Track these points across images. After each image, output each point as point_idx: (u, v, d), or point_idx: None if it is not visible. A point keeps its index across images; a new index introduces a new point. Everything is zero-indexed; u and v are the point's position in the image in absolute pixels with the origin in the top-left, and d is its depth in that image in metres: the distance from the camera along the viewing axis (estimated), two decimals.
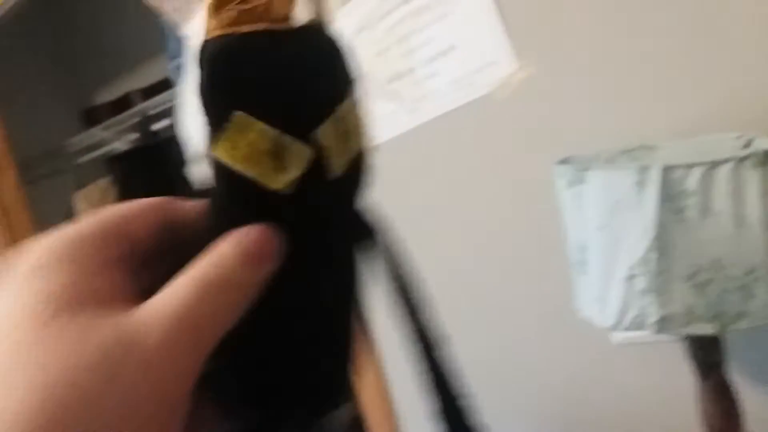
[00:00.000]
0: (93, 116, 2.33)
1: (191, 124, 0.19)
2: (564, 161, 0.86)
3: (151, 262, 0.24)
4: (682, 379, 0.95)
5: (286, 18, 0.24)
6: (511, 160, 1.07)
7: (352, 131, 0.25)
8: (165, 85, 2.20)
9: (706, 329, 0.70)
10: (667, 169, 0.68)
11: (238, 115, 0.23)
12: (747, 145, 0.81)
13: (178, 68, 2.12)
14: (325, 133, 0.24)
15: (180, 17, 0.19)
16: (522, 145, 1.06)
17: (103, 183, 2.28)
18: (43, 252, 0.22)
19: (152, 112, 2.17)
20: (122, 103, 2.29)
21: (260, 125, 0.23)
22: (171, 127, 1.85)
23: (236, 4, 0.23)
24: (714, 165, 0.68)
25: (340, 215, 0.27)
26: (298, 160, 0.24)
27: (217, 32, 0.23)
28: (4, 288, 0.21)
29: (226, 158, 0.24)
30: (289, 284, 0.25)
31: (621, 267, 0.72)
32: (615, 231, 0.72)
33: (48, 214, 2.19)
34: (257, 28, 0.23)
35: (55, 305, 0.20)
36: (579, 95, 1.00)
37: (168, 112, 1.99)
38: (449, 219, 1.16)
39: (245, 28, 0.23)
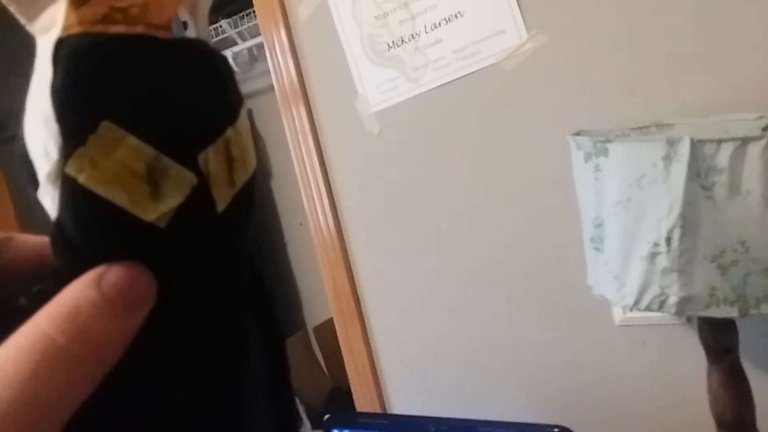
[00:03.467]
0: None
1: (36, 138, 0.15)
2: (577, 135, 0.82)
3: None
4: (686, 362, 0.93)
5: (165, 27, 0.20)
6: (516, 133, 1.03)
7: (239, 159, 0.21)
8: None
9: (727, 312, 0.68)
10: (697, 144, 0.65)
11: (105, 125, 0.18)
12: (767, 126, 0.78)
13: None
14: (211, 158, 0.20)
15: (27, 9, 0.15)
16: (529, 118, 1.01)
17: None
18: None
19: None
20: None
21: (132, 139, 0.19)
22: None
23: None
24: (746, 141, 0.64)
25: (225, 255, 0.22)
26: (178, 187, 0.19)
27: (80, 29, 0.19)
28: None
29: (83, 178, 0.19)
30: (160, 336, 0.20)
31: (642, 244, 0.69)
32: (637, 206, 0.69)
33: None
34: (133, 31, 0.19)
35: None
36: (590, 69, 0.96)
37: None
38: (449, 191, 1.12)
39: (116, 29, 0.19)
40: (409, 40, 1.11)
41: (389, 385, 1.30)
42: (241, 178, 0.22)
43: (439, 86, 1.09)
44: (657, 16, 0.90)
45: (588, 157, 0.73)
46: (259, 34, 1.39)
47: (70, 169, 0.19)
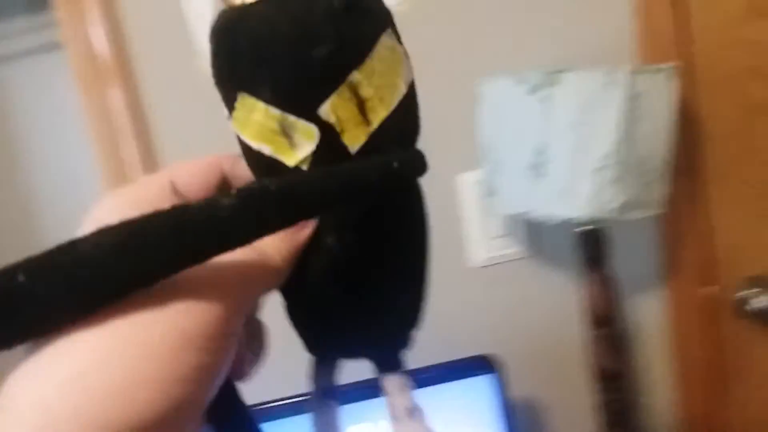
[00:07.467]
0: None
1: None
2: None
3: None
4: (538, 290, 1.09)
5: None
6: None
7: (374, 97, 0.23)
8: None
9: (644, 213, 0.84)
10: (632, 74, 0.80)
11: (242, 97, 0.23)
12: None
13: None
14: (331, 108, 0.23)
15: None
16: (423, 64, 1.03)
17: None
18: (111, 211, 0.23)
19: None
20: None
21: (262, 106, 0.23)
22: None
23: None
24: (656, 71, 0.82)
25: (373, 180, 0.25)
26: (306, 138, 0.23)
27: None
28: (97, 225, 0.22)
29: (241, 134, 0.24)
30: (334, 252, 0.25)
31: (592, 160, 0.80)
32: (587, 128, 0.80)
33: None
34: None
35: None
36: (483, 16, 1.00)
37: None
38: None
39: None
40: None
41: None
42: (379, 113, 0.23)
43: None
44: None
45: (535, 89, 0.82)
46: None
47: (233, 126, 0.24)
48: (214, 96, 0.24)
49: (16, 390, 0.19)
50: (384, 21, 0.24)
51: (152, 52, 1.03)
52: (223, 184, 0.26)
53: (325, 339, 0.28)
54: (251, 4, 0.22)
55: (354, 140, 0.23)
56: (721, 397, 1.09)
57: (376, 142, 0.23)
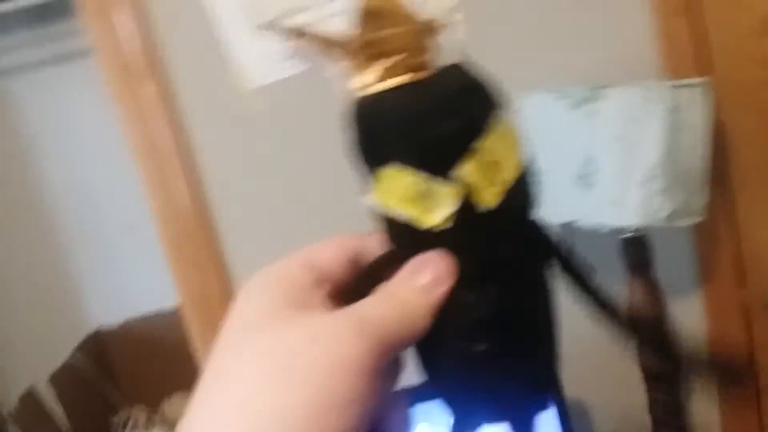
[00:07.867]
0: None
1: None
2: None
3: (342, 290, 0.28)
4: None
5: (423, 65, 0.26)
6: None
7: (501, 161, 0.26)
8: None
9: (691, 220, 0.88)
10: (673, 88, 0.84)
11: (387, 169, 0.26)
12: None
13: None
14: (467, 170, 0.25)
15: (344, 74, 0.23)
16: None
17: None
18: (264, 291, 0.27)
19: None
20: None
21: (408, 175, 0.25)
22: None
23: (376, 60, 0.25)
24: (692, 86, 0.86)
25: (505, 237, 0.27)
26: (446, 199, 0.25)
27: (365, 89, 0.26)
28: (247, 296, 0.26)
29: (381, 204, 0.26)
30: (469, 300, 0.26)
31: (639, 171, 0.84)
32: (632, 140, 0.84)
33: None
34: (397, 83, 0.26)
35: (284, 308, 0.25)
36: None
37: None
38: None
39: (387, 83, 0.26)
40: (303, 11, 1.04)
41: None
42: (507, 176, 0.26)
43: None
44: None
45: (579, 104, 0.85)
46: None
47: (373, 199, 0.26)
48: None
49: (193, 422, 0.23)
50: (497, 98, 0.27)
51: (183, 53, 1.06)
52: (356, 259, 0.29)
53: (464, 399, 0.29)
54: (385, 91, 0.25)
55: (486, 199, 0.25)
56: (757, 398, 1.12)
57: (504, 203, 0.26)
